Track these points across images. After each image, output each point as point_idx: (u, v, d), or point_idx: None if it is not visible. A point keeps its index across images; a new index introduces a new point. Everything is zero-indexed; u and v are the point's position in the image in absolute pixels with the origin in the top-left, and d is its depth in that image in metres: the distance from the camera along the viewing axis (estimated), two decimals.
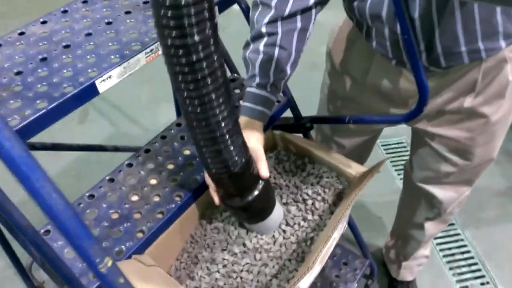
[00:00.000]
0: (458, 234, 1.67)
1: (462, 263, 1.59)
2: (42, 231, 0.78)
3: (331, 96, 1.11)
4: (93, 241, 0.41)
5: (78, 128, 2.11)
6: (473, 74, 0.84)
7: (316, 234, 0.83)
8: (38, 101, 0.67)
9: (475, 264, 1.58)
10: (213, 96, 0.56)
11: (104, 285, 0.46)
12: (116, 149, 1.18)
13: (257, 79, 0.81)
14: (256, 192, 0.73)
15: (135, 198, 0.83)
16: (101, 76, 0.71)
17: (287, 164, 0.95)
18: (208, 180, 0.77)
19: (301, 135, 1.02)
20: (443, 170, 1.05)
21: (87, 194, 0.84)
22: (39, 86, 0.70)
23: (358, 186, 0.79)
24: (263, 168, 0.74)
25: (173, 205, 0.81)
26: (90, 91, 0.71)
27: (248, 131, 0.79)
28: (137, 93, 2.24)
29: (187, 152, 0.91)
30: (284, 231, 0.85)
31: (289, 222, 0.86)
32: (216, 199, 0.77)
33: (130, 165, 0.89)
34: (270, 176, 0.87)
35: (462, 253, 1.62)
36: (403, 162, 1.93)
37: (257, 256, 0.83)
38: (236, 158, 0.65)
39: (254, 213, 0.78)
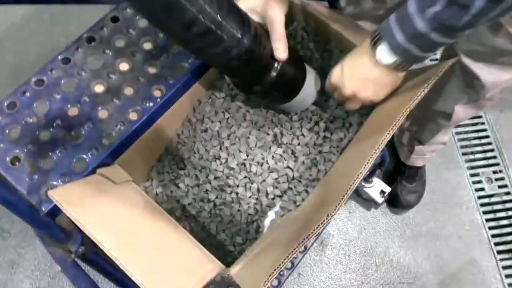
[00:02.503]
0: (479, 117, 1.50)
1: (478, 148, 1.46)
2: None
3: None
4: None
5: None
6: None
7: (333, 153, 0.65)
8: None
9: (491, 150, 1.45)
10: None
11: None
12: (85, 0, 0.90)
13: None
14: (271, 77, 0.58)
15: (99, 88, 0.62)
16: None
17: (303, 46, 0.72)
18: None
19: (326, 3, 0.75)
20: (500, 47, 0.82)
21: (33, 79, 0.62)
22: None
23: (408, 92, 0.57)
24: (280, 48, 0.56)
25: (151, 104, 0.61)
26: None
27: None
28: None
29: None
30: (292, 145, 0.67)
31: (296, 133, 0.67)
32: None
33: (91, 39, 0.65)
34: None
35: (480, 138, 1.47)
36: None
37: (258, 170, 0.66)
38: (232, 46, 0.50)
39: (276, 96, 0.63)
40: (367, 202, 1.38)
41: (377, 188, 1.31)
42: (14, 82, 0.62)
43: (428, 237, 1.33)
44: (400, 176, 1.37)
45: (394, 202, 1.36)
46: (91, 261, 0.61)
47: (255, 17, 0.57)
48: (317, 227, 0.47)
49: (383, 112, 0.61)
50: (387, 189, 1.30)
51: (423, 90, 0.53)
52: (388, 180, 1.41)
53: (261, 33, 0.55)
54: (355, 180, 0.49)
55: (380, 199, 1.31)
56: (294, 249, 0.47)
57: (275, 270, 0.46)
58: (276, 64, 0.57)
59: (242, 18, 0.52)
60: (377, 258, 1.30)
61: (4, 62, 1.52)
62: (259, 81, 0.58)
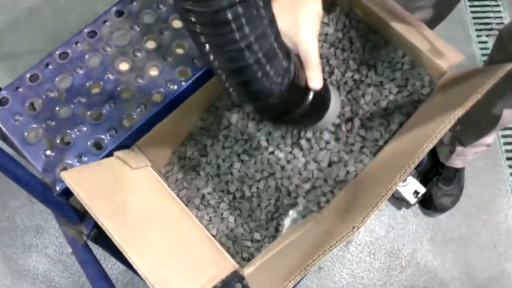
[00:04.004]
0: None
1: None
2: None
3: None
4: None
5: None
6: None
7: (365, 154, 0.60)
8: None
9: None
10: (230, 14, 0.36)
11: None
12: None
13: None
14: (302, 109, 0.51)
15: (124, 66, 0.59)
16: None
17: (344, 34, 0.66)
18: None
19: None
20: None
21: (57, 51, 0.60)
22: None
23: (456, 97, 0.52)
24: (316, 78, 0.50)
25: (176, 87, 0.57)
26: None
27: (298, 5, 0.50)
28: None
29: None
30: (321, 140, 0.62)
31: (330, 129, 0.62)
32: None
33: (119, 13, 0.62)
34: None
35: None
36: (488, 21, 1.54)
37: (286, 166, 0.62)
38: (273, 87, 0.44)
39: (305, 122, 0.58)
40: (398, 201, 1.31)
41: (411, 187, 1.24)
42: (51, 49, 0.60)
43: (460, 243, 1.26)
44: (437, 177, 1.29)
45: (427, 204, 1.29)
46: (103, 244, 0.60)
47: (285, 41, 0.49)
48: (340, 239, 0.43)
49: (427, 116, 0.55)
50: (422, 189, 1.23)
51: (475, 95, 0.47)
52: (423, 180, 1.34)
53: (297, 62, 0.49)
54: (387, 192, 0.44)
55: (412, 200, 1.24)
56: (313, 260, 0.43)
57: (290, 281, 0.42)
58: (309, 93, 0.51)
59: (286, 50, 0.45)
60: (403, 260, 1.24)
61: (43, 29, 1.52)
62: (291, 112, 0.52)
